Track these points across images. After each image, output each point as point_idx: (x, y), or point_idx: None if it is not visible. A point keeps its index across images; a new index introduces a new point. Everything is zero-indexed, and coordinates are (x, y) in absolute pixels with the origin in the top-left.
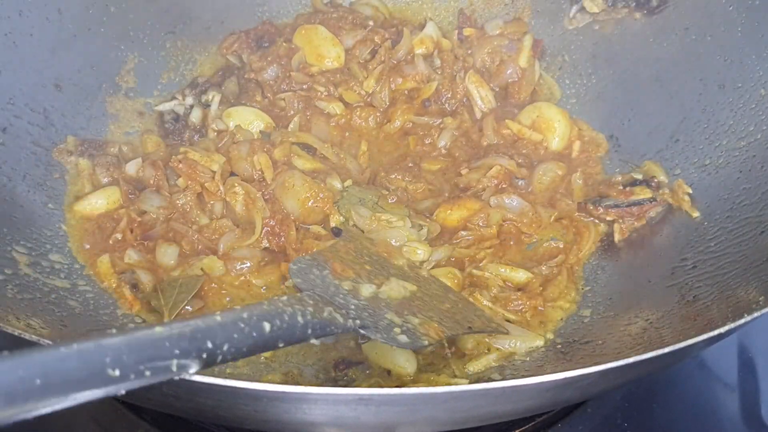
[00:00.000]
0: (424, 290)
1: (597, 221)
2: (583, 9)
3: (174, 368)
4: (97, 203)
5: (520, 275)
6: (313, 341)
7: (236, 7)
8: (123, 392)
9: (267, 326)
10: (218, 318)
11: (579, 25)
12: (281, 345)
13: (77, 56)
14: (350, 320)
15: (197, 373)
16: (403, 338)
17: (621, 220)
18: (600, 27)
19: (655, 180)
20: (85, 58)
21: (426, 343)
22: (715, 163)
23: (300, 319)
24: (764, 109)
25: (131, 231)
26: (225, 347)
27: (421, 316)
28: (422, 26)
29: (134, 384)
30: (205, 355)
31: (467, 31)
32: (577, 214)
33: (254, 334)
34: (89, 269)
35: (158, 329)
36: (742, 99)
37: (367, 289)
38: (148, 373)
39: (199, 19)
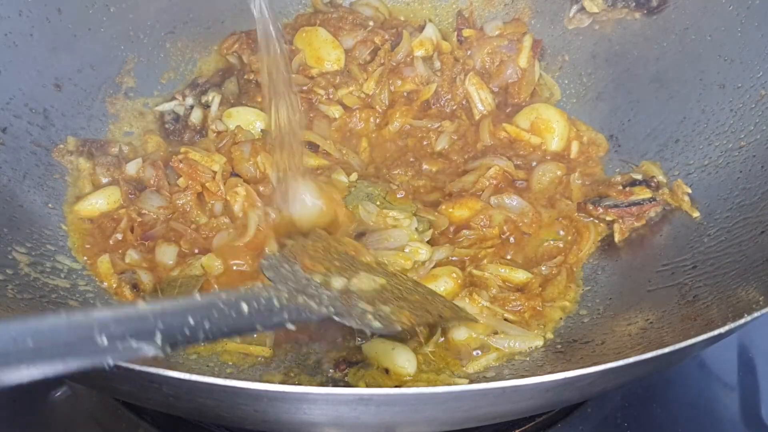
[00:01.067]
0: (393, 284)
1: (597, 221)
2: (582, 9)
3: (159, 341)
4: (98, 203)
5: (520, 275)
6: (289, 326)
7: (236, 8)
8: (111, 363)
9: (245, 307)
10: (198, 298)
11: (579, 25)
12: (259, 328)
13: (77, 56)
14: (324, 307)
15: (181, 348)
16: (377, 324)
17: (621, 220)
18: (600, 27)
19: (655, 180)
20: (85, 58)
21: (399, 328)
22: (715, 163)
23: (276, 302)
24: (764, 109)
25: (131, 231)
26: (206, 325)
27: (392, 305)
28: (422, 28)
29: (122, 355)
30: (187, 331)
31: (466, 32)
32: (576, 214)
33: (233, 314)
34: (89, 269)
35: (142, 304)
36: (742, 99)
37: (338, 282)
38: (134, 344)
39: (199, 19)
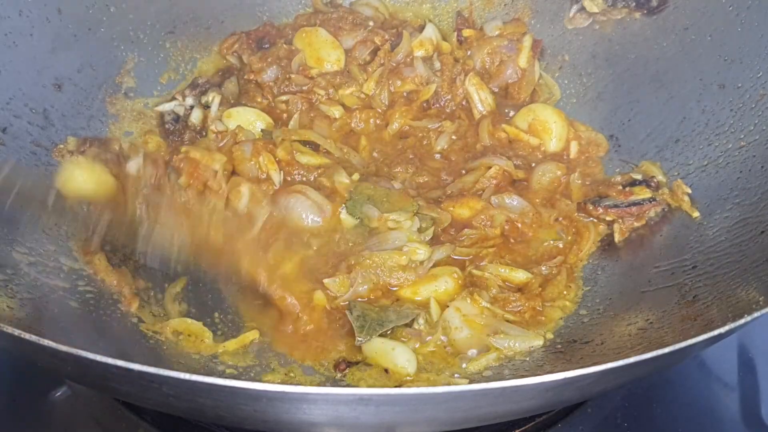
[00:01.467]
0: None
1: (597, 221)
2: (583, 9)
3: None
4: None
5: (520, 275)
6: None
7: (236, 8)
8: None
9: None
10: None
11: (579, 25)
12: None
13: (77, 56)
14: None
15: None
16: None
17: (621, 221)
18: (600, 27)
19: (655, 180)
20: (85, 58)
21: None
22: (715, 164)
23: None
24: (764, 109)
25: None
26: None
27: None
28: (422, 28)
29: None
30: None
31: (466, 33)
32: (576, 214)
33: None
34: (89, 268)
35: None
36: (742, 99)
37: None
38: None
39: (199, 19)
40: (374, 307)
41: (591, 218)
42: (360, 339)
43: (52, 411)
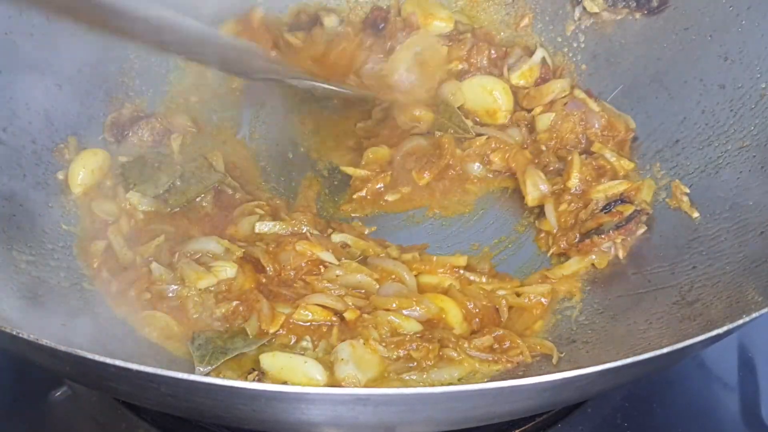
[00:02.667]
0: None
1: (604, 250)
2: (583, 9)
3: None
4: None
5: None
6: None
7: (237, 7)
8: None
9: None
10: None
11: (579, 25)
12: None
13: (77, 56)
14: None
15: None
16: None
17: (624, 240)
18: (600, 27)
19: (624, 194)
20: (86, 58)
21: None
22: (715, 164)
23: None
24: (764, 109)
25: None
26: None
27: None
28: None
29: None
30: None
31: (536, 111)
32: (581, 257)
33: None
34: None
35: None
36: (742, 99)
37: None
38: None
39: (199, 19)
40: (223, 334)
41: (596, 249)
42: (201, 369)
43: (52, 411)
